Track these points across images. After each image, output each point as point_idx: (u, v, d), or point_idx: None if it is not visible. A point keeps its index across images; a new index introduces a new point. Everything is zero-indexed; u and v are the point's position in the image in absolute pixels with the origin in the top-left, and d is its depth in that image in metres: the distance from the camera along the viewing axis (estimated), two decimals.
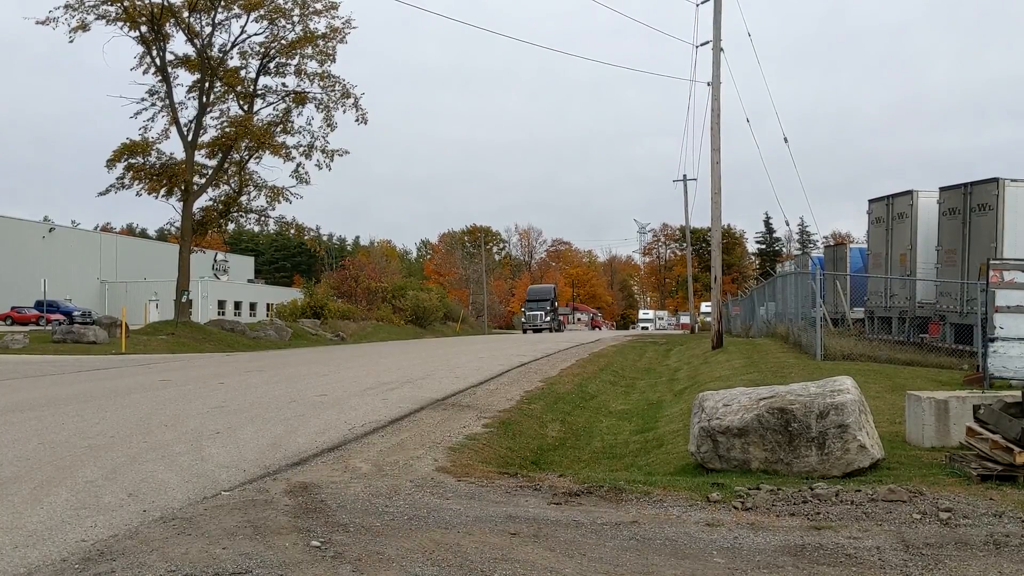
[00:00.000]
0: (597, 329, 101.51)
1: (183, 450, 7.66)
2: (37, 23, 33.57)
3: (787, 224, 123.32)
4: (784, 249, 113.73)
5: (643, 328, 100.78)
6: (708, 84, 23.77)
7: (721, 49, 23.44)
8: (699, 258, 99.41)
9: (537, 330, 66.57)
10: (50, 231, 69.99)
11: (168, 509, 5.47)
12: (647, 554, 4.57)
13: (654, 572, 4.28)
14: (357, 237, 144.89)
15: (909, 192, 20.40)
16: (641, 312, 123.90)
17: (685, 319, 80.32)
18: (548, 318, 67.96)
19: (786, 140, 28.03)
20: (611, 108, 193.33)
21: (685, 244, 74.33)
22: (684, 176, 54.95)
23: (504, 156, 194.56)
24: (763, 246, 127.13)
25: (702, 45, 25.70)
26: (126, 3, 34.26)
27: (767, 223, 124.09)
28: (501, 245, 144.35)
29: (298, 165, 38.71)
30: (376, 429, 9.12)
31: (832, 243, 56.81)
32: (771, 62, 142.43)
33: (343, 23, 37.81)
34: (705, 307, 67.83)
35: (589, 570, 4.29)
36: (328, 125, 38.81)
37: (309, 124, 39.23)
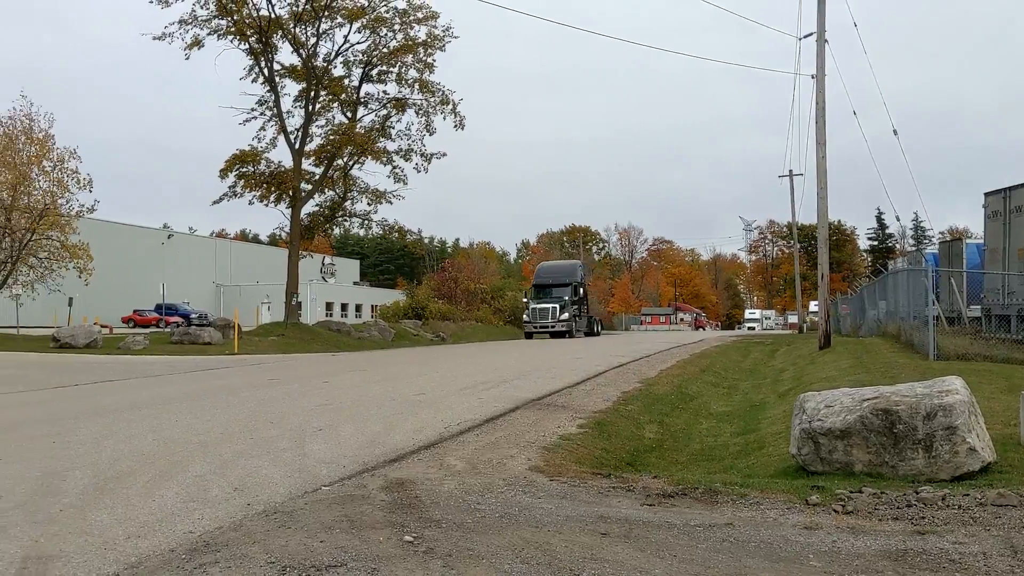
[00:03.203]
0: (701, 329, 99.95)
1: (287, 446, 7.92)
2: (154, 39, 35.31)
3: (897, 219, 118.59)
4: (897, 246, 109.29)
5: (749, 328, 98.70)
6: (812, 77, 23.13)
7: (826, 41, 22.76)
8: (807, 255, 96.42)
9: (555, 334, 44.39)
10: (168, 237, 73.42)
11: (270, 503, 5.66)
12: (740, 556, 4.49)
13: (746, 574, 4.20)
14: (457, 239, 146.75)
15: None
16: (747, 312, 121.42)
17: (793, 319, 78.19)
18: (566, 315, 44.47)
19: (895, 132, 27.08)
20: (709, 103, 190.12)
21: (792, 241, 72.34)
22: (790, 171, 53.71)
23: (600, 155, 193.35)
24: (875, 243, 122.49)
25: (805, 37, 25.00)
26: (236, 16, 35.65)
27: (879, 219, 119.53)
28: (601, 245, 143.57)
29: (395, 167, 39.58)
30: (471, 428, 9.23)
31: (948, 239, 54.45)
32: (875, 52, 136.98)
33: (443, 31, 38.43)
34: (813, 306, 64.67)
35: (679, 571, 4.24)
36: (427, 130, 39.57)
37: (409, 130, 40.07)
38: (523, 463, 7.33)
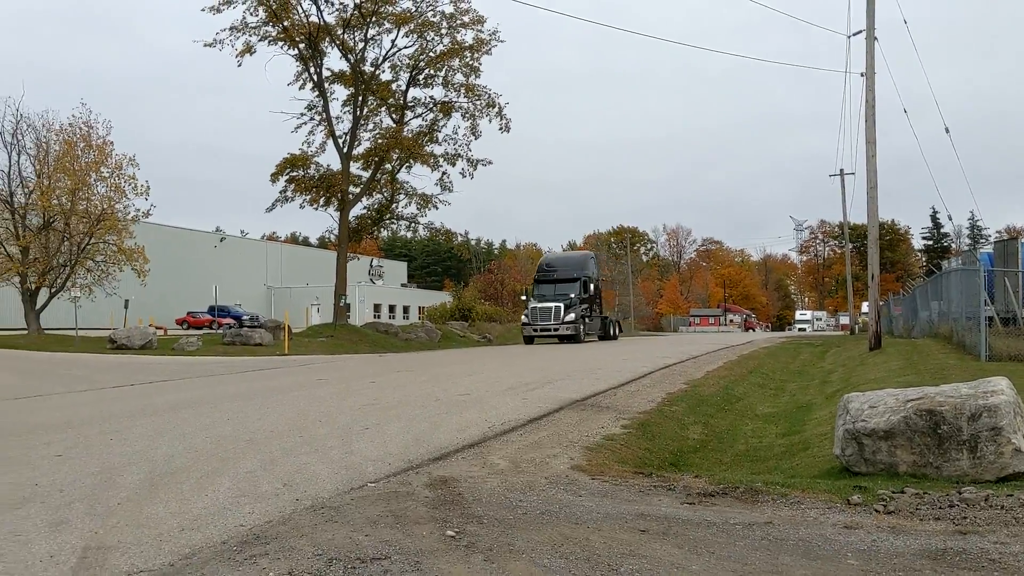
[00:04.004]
0: (751, 331, 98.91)
1: (334, 444, 8.10)
2: (205, 46, 36.05)
3: (950, 219, 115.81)
4: (953, 245, 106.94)
5: (800, 329, 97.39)
6: (862, 75, 22.82)
7: (875, 38, 22.44)
8: (859, 255, 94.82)
9: (559, 338, 38.19)
10: (221, 240, 74.79)
11: (318, 498, 5.82)
12: (778, 554, 4.52)
13: (783, 572, 4.23)
14: (503, 241, 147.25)
15: None
16: (798, 313, 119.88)
17: (845, 320, 76.95)
18: (572, 315, 37.68)
19: (947, 130, 26.60)
20: (757, 102, 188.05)
21: (843, 241, 71.18)
22: (840, 171, 52.93)
23: (647, 155, 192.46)
24: (930, 242, 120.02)
25: (855, 35, 24.67)
26: (286, 23, 36.26)
27: (934, 218, 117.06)
28: (649, 245, 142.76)
29: (443, 174, 39.89)
30: (515, 428, 9.32)
31: (1004, 238, 53.09)
32: (927, 49, 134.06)
33: (490, 34, 38.65)
34: (865, 307, 63.80)
35: (716, 568, 4.29)
36: (473, 134, 39.83)
37: (455, 134, 40.36)
38: (565, 462, 7.41)
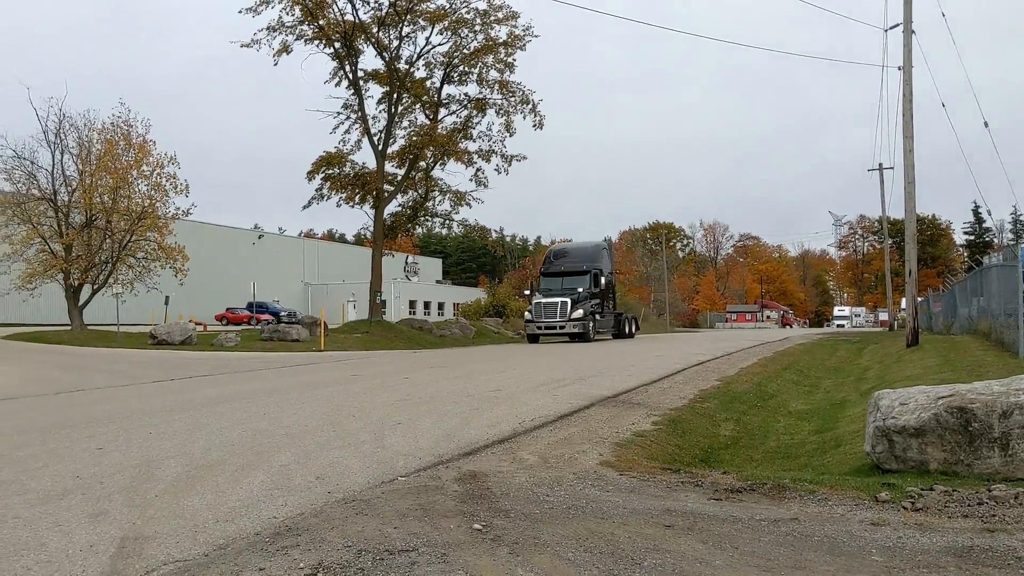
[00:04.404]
0: (788, 327, 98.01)
1: (367, 439, 8.22)
2: (242, 46, 36.42)
3: (989, 214, 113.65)
4: (996, 240, 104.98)
5: (838, 326, 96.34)
6: (899, 69, 22.53)
7: (912, 32, 22.13)
8: (898, 251, 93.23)
9: (572, 336, 35.18)
10: (259, 238, 75.69)
11: (350, 491, 5.93)
12: (802, 550, 4.53)
13: (806, 567, 4.25)
14: (539, 237, 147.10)
15: None
16: (836, 309, 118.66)
17: (884, 316, 75.92)
18: (580, 311, 34.55)
19: (986, 124, 26.16)
20: (795, 97, 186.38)
21: (882, 236, 70.19)
22: (879, 165, 52.28)
23: (684, 152, 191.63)
24: (972, 237, 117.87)
25: (891, 28, 24.34)
26: (321, 22, 36.54)
27: (975, 212, 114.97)
28: (685, 242, 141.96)
29: (477, 170, 39.98)
30: (545, 424, 9.38)
31: None
32: (966, 43, 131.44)
33: (524, 30, 38.65)
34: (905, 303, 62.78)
35: (739, 563, 4.32)
36: (507, 131, 39.84)
37: (489, 130, 40.43)
38: (594, 458, 7.45)
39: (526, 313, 37.10)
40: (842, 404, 13.24)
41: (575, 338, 34.82)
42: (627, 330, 40.92)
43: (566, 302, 34.55)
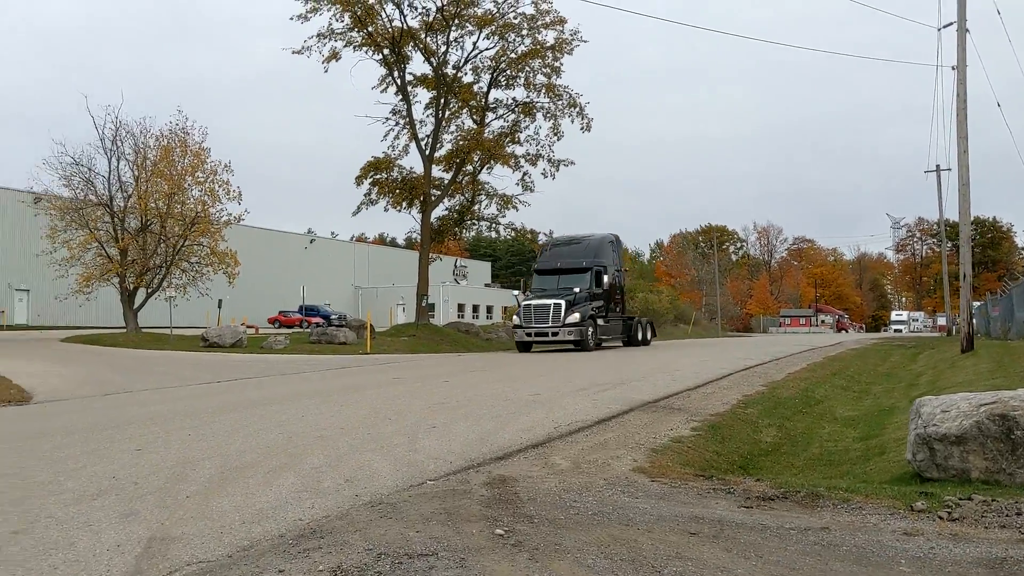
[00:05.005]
0: (843, 332, 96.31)
1: (400, 442, 8.24)
2: (294, 53, 36.98)
3: None
4: None
5: (896, 330, 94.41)
6: (953, 68, 21.96)
7: (967, 31, 21.56)
8: (957, 254, 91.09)
9: (576, 344, 29.60)
10: (311, 242, 76.86)
11: (377, 495, 5.94)
12: (828, 560, 4.41)
13: None
14: None
15: None
16: (893, 313, 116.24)
17: (942, 320, 74.09)
18: (575, 315, 29.39)
19: None
20: (849, 96, 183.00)
21: (940, 239, 68.54)
22: (937, 167, 51.09)
23: (735, 152, 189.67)
24: None
25: (945, 27, 23.74)
26: (370, 28, 36.93)
27: None
28: (738, 244, 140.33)
29: (524, 174, 39.95)
30: (581, 428, 9.30)
31: None
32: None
33: (571, 35, 38.56)
34: None
35: (761, 571, 4.22)
36: (555, 134, 39.77)
37: (536, 134, 40.38)
38: (628, 464, 7.36)
39: (514, 317, 31.97)
40: (891, 411, 12.91)
41: (573, 346, 30.04)
42: (641, 336, 35.30)
43: (559, 304, 29.45)
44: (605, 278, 31.81)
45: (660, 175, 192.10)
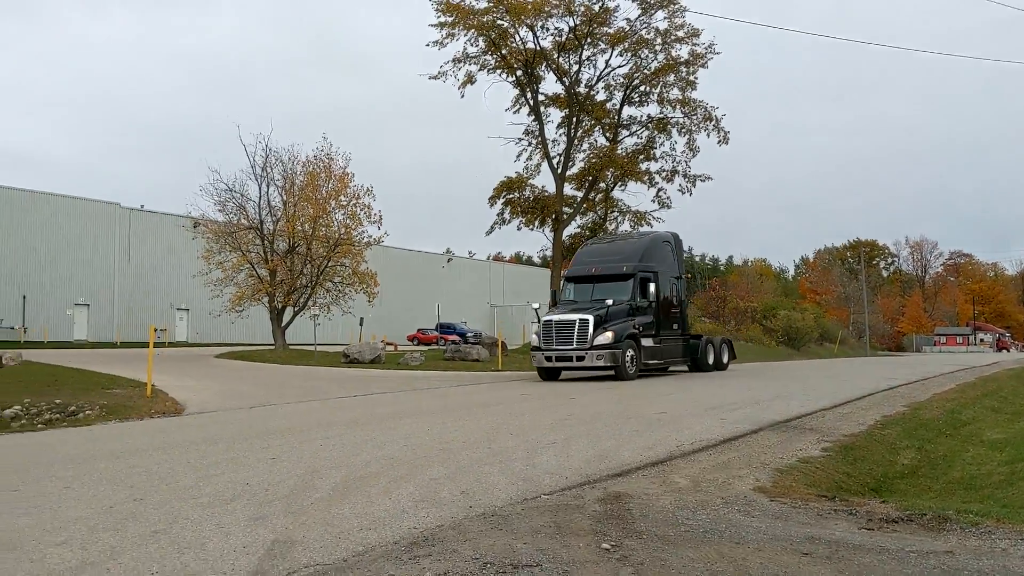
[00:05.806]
0: (1004, 351, 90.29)
1: (519, 456, 8.35)
2: (430, 78, 38.12)
3: None
4: None
5: None
6: None
7: None
8: None
9: (611, 371, 22.57)
10: (448, 261, 78.65)
11: (491, 507, 6.05)
12: None
13: None
14: (730, 257, 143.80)
15: None
16: None
17: None
18: (608, 334, 22.00)
19: None
20: (1009, 106, 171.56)
21: None
22: None
23: (886, 166, 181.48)
24: None
25: None
26: (504, 51, 37.64)
27: None
28: (889, 260, 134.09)
29: (659, 190, 39.62)
30: (705, 448, 9.14)
31: None
32: None
33: (706, 48, 38.04)
34: None
35: None
36: (690, 149, 39.28)
37: (672, 150, 39.97)
38: (749, 483, 7.20)
39: (532, 337, 24.69)
40: None
41: (610, 373, 23.05)
42: (712, 360, 27.59)
43: (586, 321, 22.35)
44: (651, 287, 24.42)
45: (808, 191, 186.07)
